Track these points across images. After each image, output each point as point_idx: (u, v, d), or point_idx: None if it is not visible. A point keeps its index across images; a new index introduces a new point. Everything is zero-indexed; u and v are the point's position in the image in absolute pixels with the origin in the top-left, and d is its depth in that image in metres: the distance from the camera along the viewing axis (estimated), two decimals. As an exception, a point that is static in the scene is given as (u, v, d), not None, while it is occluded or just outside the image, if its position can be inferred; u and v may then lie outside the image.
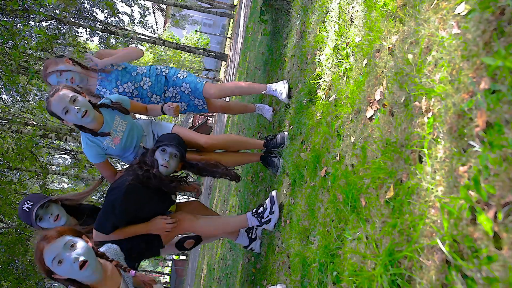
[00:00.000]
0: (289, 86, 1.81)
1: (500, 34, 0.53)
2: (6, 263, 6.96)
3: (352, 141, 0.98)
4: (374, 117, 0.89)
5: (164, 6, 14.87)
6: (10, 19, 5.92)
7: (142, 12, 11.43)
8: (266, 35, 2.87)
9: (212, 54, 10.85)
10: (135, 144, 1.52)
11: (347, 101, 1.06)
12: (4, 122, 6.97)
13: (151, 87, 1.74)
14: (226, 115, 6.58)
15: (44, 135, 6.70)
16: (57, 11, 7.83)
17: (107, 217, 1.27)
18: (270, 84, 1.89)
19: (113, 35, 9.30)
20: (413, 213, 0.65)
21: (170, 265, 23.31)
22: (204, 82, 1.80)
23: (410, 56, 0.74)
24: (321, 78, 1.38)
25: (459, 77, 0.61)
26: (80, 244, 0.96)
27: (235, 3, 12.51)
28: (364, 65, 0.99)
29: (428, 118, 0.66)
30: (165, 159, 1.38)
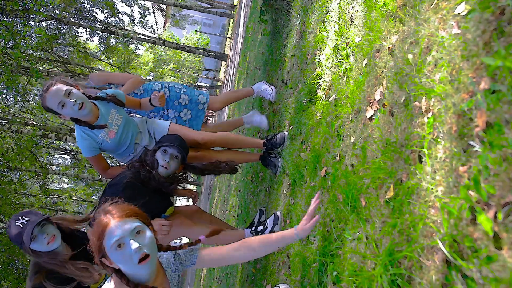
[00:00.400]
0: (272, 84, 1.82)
1: (500, 34, 0.53)
2: (6, 263, 6.95)
3: (352, 141, 0.98)
4: (374, 117, 0.89)
5: (164, 6, 14.87)
6: (10, 19, 5.91)
7: (142, 12, 11.43)
8: (266, 35, 2.87)
9: (212, 54, 10.85)
10: (130, 140, 1.51)
11: (347, 101, 1.06)
12: (4, 122, 6.97)
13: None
14: (226, 116, 6.59)
15: (44, 135, 6.70)
16: (57, 11, 7.83)
17: None
18: (254, 86, 1.98)
19: (113, 35, 9.30)
20: (413, 213, 0.65)
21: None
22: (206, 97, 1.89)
23: (410, 56, 0.74)
24: (321, 78, 1.38)
25: (459, 77, 0.61)
26: (147, 234, 0.78)
27: (235, 3, 12.50)
28: (364, 65, 0.99)
29: (428, 118, 0.66)
30: (165, 160, 1.37)
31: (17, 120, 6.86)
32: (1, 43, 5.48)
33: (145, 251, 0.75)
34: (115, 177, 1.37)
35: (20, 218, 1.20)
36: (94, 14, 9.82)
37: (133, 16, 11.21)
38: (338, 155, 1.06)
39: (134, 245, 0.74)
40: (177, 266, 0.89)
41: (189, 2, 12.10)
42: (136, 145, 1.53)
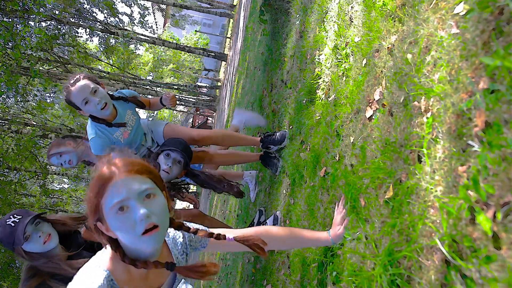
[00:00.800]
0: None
1: (499, 34, 0.53)
2: (6, 263, 6.96)
3: (352, 141, 0.98)
4: (373, 117, 0.89)
5: (163, 6, 14.87)
6: (10, 20, 5.92)
7: (141, 12, 11.43)
8: (266, 35, 2.87)
9: (212, 54, 10.85)
10: (139, 141, 1.51)
11: (347, 101, 1.06)
12: (4, 123, 6.97)
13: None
14: (225, 116, 6.59)
15: (43, 135, 6.70)
16: (57, 12, 7.84)
17: None
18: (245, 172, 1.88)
19: (112, 35, 9.31)
20: (413, 213, 0.65)
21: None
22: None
23: (409, 56, 0.74)
24: (320, 78, 1.38)
25: (458, 77, 0.61)
26: (160, 200, 0.60)
27: (234, 3, 12.51)
28: (363, 65, 0.99)
29: (427, 118, 0.66)
30: (167, 164, 1.34)
31: (17, 120, 6.87)
32: (1, 43, 5.48)
33: (153, 220, 0.57)
34: None
35: (11, 217, 1.09)
36: (94, 14, 9.83)
37: (133, 16, 11.22)
38: (338, 155, 1.06)
39: (142, 211, 0.56)
40: (185, 248, 0.73)
41: (189, 2, 12.11)
42: (142, 146, 1.53)
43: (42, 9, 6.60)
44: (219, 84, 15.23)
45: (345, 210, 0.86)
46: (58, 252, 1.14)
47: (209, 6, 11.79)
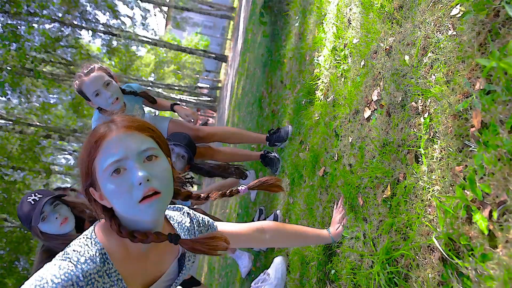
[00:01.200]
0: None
1: (495, 36, 0.54)
2: (10, 262, 7.00)
3: (350, 141, 0.98)
4: (371, 117, 0.89)
5: (165, 9, 14.96)
6: (15, 22, 5.99)
7: (143, 14, 11.51)
8: (265, 36, 2.89)
9: (213, 55, 10.89)
10: None
11: (345, 102, 1.07)
12: (8, 123, 7.03)
13: None
14: (226, 117, 6.61)
15: (47, 135, 6.75)
16: (60, 14, 7.91)
17: None
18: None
19: (115, 37, 9.37)
20: (410, 212, 0.66)
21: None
22: None
23: (406, 58, 0.75)
24: (319, 79, 1.39)
25: (454, 78, 0.62)
26: (162, 163, 0.51)
27: (234, 6, 12.57)
28: (361, 66, 1.00)
29: (424, 118, 0.67)
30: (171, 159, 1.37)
31: (21, 121, 6.93)
32: (6, 44, 5.55)
33: (154, 185, 0.48)
34: None
35: (32, 194, 1.06)
36: (96, 16, 9.92)
37: (135, 19, 11.31)
38: (336, 155, 1.06)
39: (140, 173, 0.47)
40: (193, 234, 0.62)
41: (190, 5, 12.18)
42: None
43: (45, 11, 6.67)
44: (219, 85, 15.28)
45: (345, 209, 0.87)
46: (72, 236, 1.12)
47: (209, 8, 11.85)
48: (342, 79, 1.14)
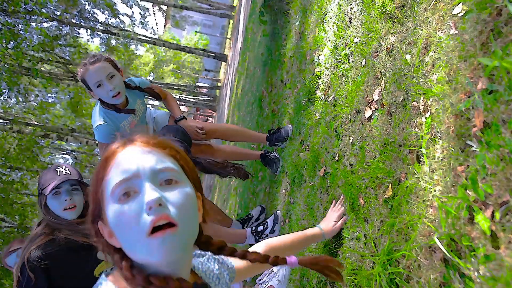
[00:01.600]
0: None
1: (497, 35, 0.54)
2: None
3: (351, 141, 0.98)
4: (372, 117, 0.89)
5: (164, 8, 14.92)
6: (12, 20, 5.96)
7: (142, 13, 11.47)
8: (265, 35, 2.88)
9: (212, 55, 10.87)
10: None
11: (346, 101, 1.07)
12: (6, 122, 7.00)
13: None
14: (226, 116, 6.60)
15: (45, 135, 6.73)
16: (58, 13, 7.87)
17: None
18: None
19: (113, 36, 9.33)
20: (411, 212, 0.66)
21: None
22: None
23: (408, 57, 0.75)
24: (320, 78, 1.38)
25: (456, 77, 0.61)
26: (185, 190, 0.41)
27: (234, 4, 12.54)
28: (362, 66, 0.99)
29: (426, 118, 0.66)
30: None
31: (19, 120, 6.90)
32: (3, 42, 5.52)
33: (169, 213, 0.37)
34: None
35: (64, 167, 1.03)
36: (95, 15, 9.87)
37: (134, 17, 11.27)
38: (337, 155, 1.06)
39: (150, 195, 0.37)
40: (220, 277, 0.52)
41: (189, 3, 12.15)
42: None
43: (44, 10, 6.64)
44: (219, 84, 15.26)
45: (344, 208, 0.86)
46: (73, 222, 1.04)
47: (209, 7, 11.82)
48: (343, 79, 1.13)
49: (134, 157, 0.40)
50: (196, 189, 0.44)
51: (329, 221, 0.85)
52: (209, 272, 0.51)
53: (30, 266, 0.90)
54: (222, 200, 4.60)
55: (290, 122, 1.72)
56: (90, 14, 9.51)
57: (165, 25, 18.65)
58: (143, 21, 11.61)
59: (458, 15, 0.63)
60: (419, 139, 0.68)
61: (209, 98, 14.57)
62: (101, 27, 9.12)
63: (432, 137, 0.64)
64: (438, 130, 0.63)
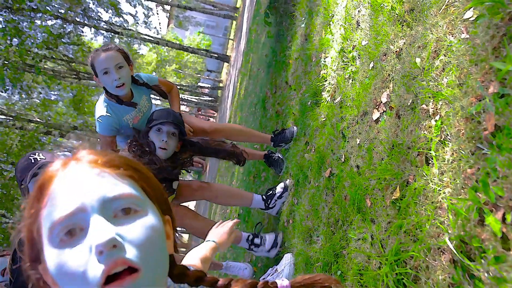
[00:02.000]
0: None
1: (510, 40, 0.55)
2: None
3: (358, 142, 0.99)
4: (380, 119, 0.90)
5: (168, 8, 14.98)
6: (17, 18, 5.99)
7: (146, 12, 11.52)
8: (270, 37, 2.89)
9: (215, 55, 10.91)
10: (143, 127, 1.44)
11: (353, 103, 1.07)
12: (9, 119, 7.02)
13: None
14: (227, 117, 6.61)
15: (47, 132, 6.74)
16: (62, 11, 7.91)
17: None
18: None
19: (117, 35, 9.37)
20: (420, 214, 0.66)
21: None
22: None
23: (418, 60, 0.76)
24: (326, 80, 1.39)
25: (467, 81, 0.62)
26: (147, 220, 0.32)
27: (237, 6, 12.59)
28: (370, 68, 1.00)
29: (435, 121, 0.67)
30: (162, 139, 1.19)
31: (21, 117, 6.92)
32: (8, 39, 5.55)
33: (127, 256, 0.29)
34: None
35: (37, 153, 1.02)
36: (99, 14, 9.91)
37: (137, 17, 11.32)
38: (343, 157, 1.07)
39: (100, 235, 0.28)
40: None
41: (193, 4, 12.20)
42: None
43: (48, 8, 6.67)
44: (220, 85, 15.29)
45: (234, 224, 0.81)
46: None
47: (212, 8, 11.87)
48: (350, 81, 1.14)
49: (78, 183, 0.30)
50: (162, 213, 0.35)
51: (222, 235, 0.79)
52: None
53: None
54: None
55: (294, 123, 1.73)
56: (94, 13, 9.55)
57: (168, 25, 18.72)
58: (146, 20, 11.66)
59: (470, 19, 0.64)
60: (428, 141, 0.68)
61: (210, 98, 14.60)
62: (105, 26, 9.16)
63: (441, 139, 0.65)
64: (448, 133, 0.64)
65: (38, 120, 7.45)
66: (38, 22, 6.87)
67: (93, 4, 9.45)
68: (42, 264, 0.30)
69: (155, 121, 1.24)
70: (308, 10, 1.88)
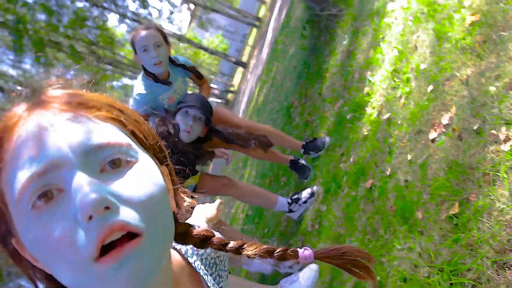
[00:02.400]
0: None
1: None
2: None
3: (409, 158, 1.04)
4: (437, 139, 0.95)
5: (192, 7, 15.33)
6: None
7: (171, 9, 11.77)
8: (303, 49, 2.99)
9: (233, 59, 11.10)
10: None
11: (404, 121, 1.13)
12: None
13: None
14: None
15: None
16: (93, -6, 8.09)
17: None
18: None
19: (141, 26, 9.50)
20: (482, 230, 0.71)
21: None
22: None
23: (492, 88, 0.82)
24: (369, 96, 1.46)
25: (542, 113, 0.68)
26: (143, 169, 0.25)
27: (259, 16, 12.92)
28: (429, 91, 1.06)
29: (510, 146, 0.72)
30: (188, 123, 1.20)
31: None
32: (37, 13, 5.65)
33: (124, 217, 0.22)
34: None
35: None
36: (126, 3, 10.10)
37: (161, 12, 11.54)
38: (389, 170, 1.11)
39: (87, 195, 0.21)
40: (215, 267, 0.37)
41: (218, 7, 12.51)
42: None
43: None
44: (231, 89, 15.46)
45: (220, 203, 0.61)
46: None
47: (237, 14, 12.17)
48: (402, 100, 1.20)
49: (49, 131, 0.23)
50: (160, 163, 0.28)
51: (211, 209, 0.61)
52: (206, 256, 0.35)
53: None
54: (228, 198, 4.59)
55: (328, 134, 1.78)
56: (121, 1, 9.75)
57: (189, 24, 19.11)
58: (170, 16, 11.91)
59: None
60: (495, 164, 0.73)
61: (219, 100, 14.76)
62: (130, 15, 9.35)
63: None
64: (518, 158, 0.69)
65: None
66: (68, 2, 7.03)
67: (123, -7, 9.64)
68: (15, 238, 0.24)
69: (183, 103, 1.27)
70: (354, 29, 1.97)
